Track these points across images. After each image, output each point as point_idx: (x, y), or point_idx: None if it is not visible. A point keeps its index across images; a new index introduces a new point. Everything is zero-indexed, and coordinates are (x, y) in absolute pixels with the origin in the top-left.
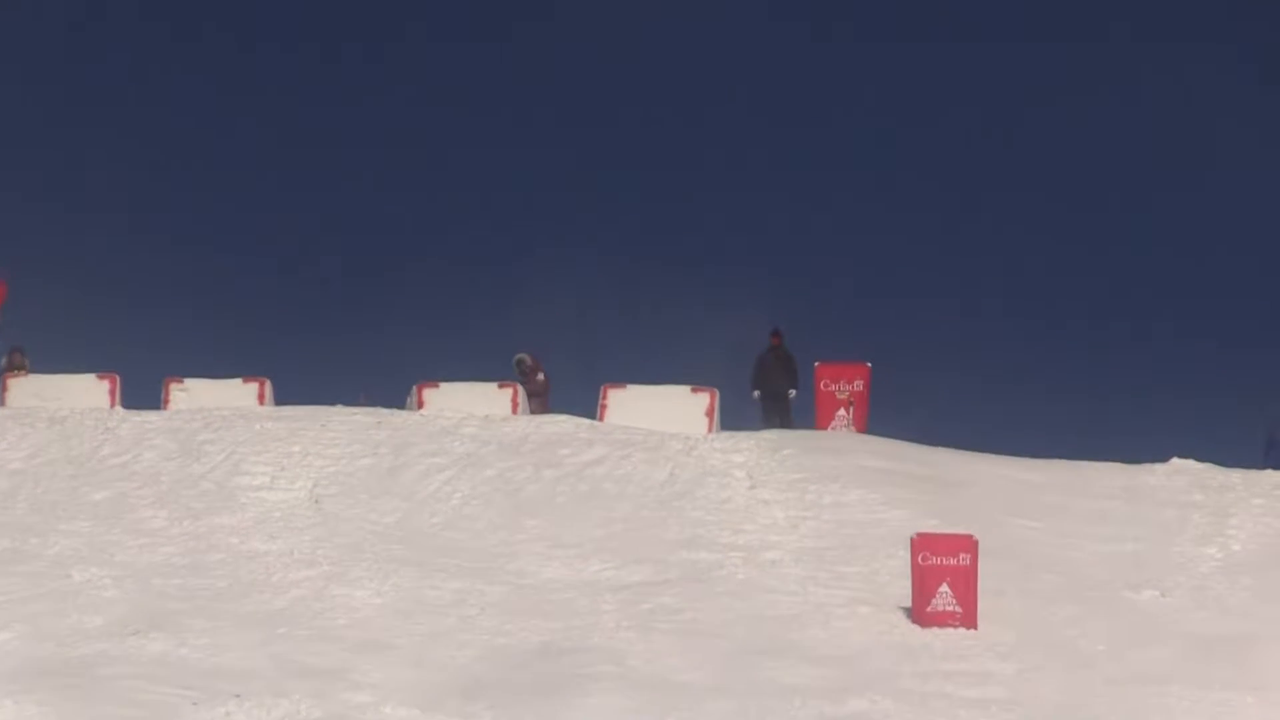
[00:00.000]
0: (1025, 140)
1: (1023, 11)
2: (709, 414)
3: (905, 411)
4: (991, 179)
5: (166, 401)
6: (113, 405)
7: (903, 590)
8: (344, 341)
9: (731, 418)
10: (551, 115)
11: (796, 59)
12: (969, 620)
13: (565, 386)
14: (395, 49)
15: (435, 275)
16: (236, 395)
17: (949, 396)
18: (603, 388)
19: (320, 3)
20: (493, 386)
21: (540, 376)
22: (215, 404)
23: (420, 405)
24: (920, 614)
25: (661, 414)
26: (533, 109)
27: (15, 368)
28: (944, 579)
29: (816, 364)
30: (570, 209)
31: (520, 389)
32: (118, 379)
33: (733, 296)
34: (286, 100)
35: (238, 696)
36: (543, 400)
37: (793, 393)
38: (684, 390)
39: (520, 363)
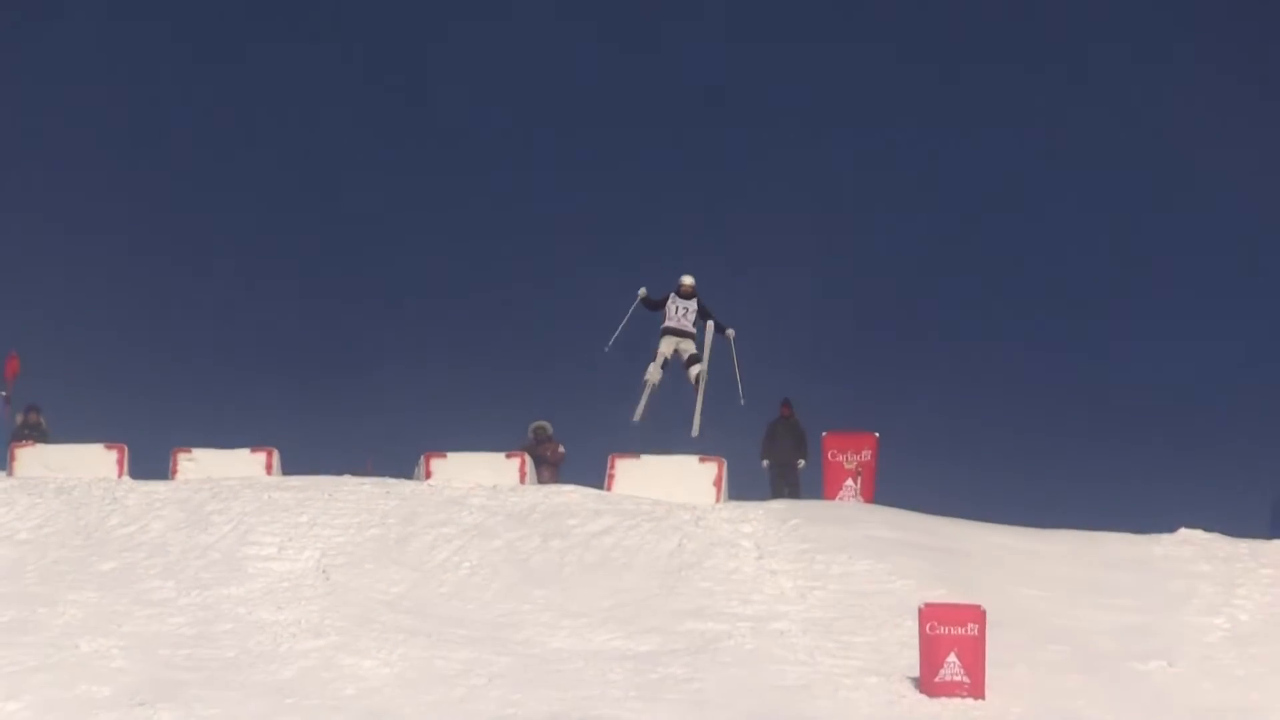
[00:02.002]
0: (1031, 208)
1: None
2: (717, 484)
3: (913, 481)
4: (999, 250)
5: (174, 471)
6: (120, 475)
7: (911, 660)
8: (352, 410)
9: (740, 487)
10: (565, 175)
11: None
12: (977, 690)
13: (573, 455)
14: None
15: (442, 344)
16: (244, 465)
17: (957, 466)
18: (610, 457)
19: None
20: (500, 456)
21: (561, 449)
22: (223, 474)
23: (428, 475)
24: (928, 684)
25: (669, 484)
26: (537, 166)
27: (31, 426)
28: (952, 649)
29: (825, 434)
30: (576, 275)
31: (528, 458)
32: (125, 449)
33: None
34: (288, 172)
35: None
36: (554, 470)
37: (802, 463)
38: (692, 460)
39: (540, 430)
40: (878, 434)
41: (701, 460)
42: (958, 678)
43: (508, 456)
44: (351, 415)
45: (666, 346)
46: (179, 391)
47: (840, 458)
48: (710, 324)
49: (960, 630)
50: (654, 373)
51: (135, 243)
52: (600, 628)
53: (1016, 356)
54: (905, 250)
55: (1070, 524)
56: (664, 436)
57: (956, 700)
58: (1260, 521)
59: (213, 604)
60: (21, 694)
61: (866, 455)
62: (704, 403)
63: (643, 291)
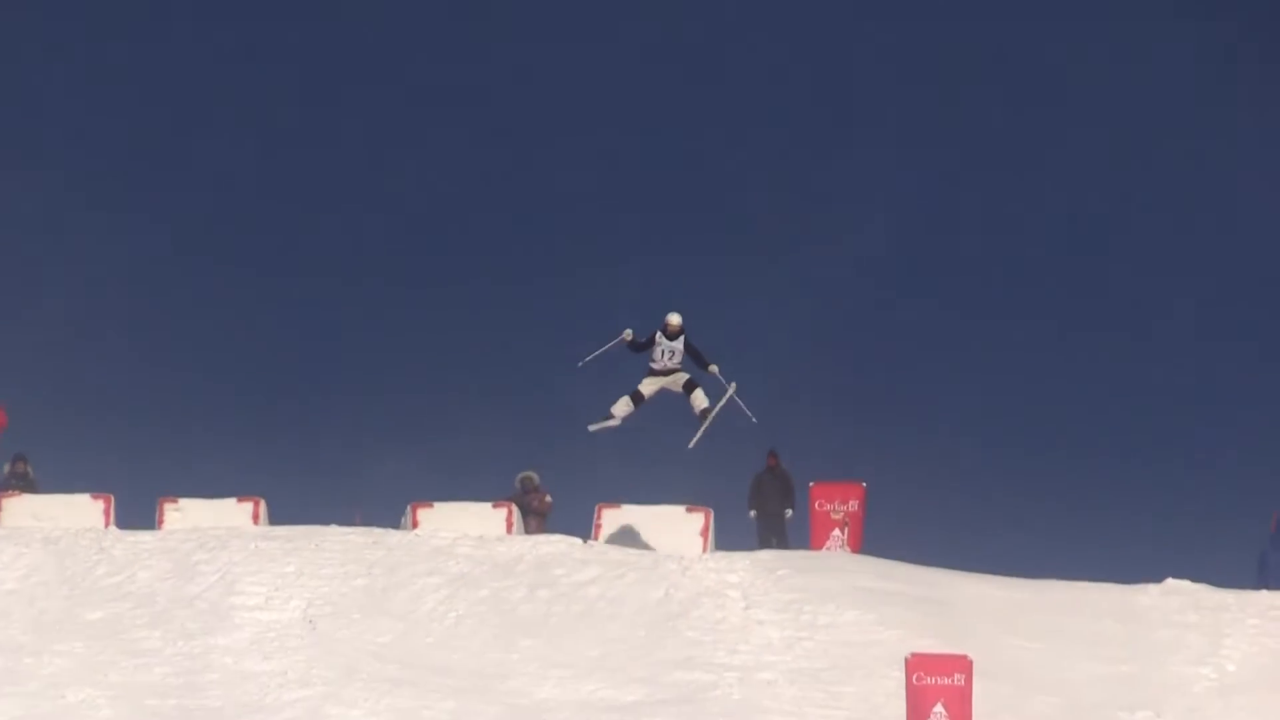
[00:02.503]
0: (1014, 258)
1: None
2: (704, 534)
3: (900, 531)
4: (981, 301)
5: (161, 521)
6: (107, 525)
7: (898, 711)
8: (338, 461)
9: (727, 538)
10: (540, 217)
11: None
12: None
13: (560, 505)
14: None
15: (428, 395)
16: (231, 515)
17: (944, 517)
18: (597, 507)
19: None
20: (487, 506)
21: (548, 498)
22: (209, 524)
23: (415, 525)
24: None
25: (656, 533)
26: (522, 221)
27: (18, 476)
28: (939, 699)
29: (811, 484)
30: (557, 321)
31: (515, 509)
32: (112, 499)
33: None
34: (281, 208)
35: None
36: (541, 520)
37: (789, 513)
38: (679, 510)
39: (527, 480)
40: (865, 484)
41: (689, 510)
42: None
43: (494, 506)
44: (339, 466)
45: (649, 388)
46: (166, 442)
47: (827, 508)
48: (715, 370)
49: (947, 680)
50: (622, 408)
51: (119, 292)
52: (587, 678)
53: (1004, 408)
54: (892, 296)
55: (1057, 574)
56: (647, 477)
57: None
58: (1247, 572)
59: (199, 654)
60: None
61: (854, 505)
62: (710, 425)
63: (628, 334)
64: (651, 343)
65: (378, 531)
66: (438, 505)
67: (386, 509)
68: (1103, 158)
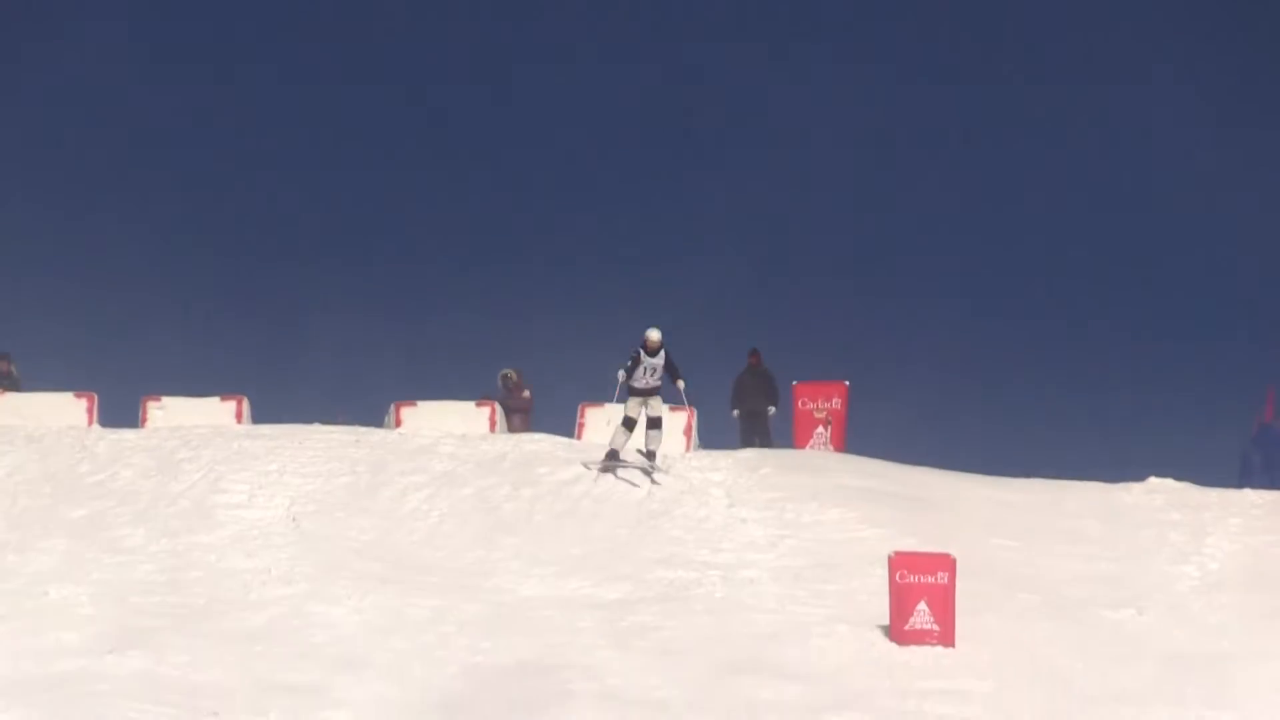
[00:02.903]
0: (1000, 160)
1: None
2: (686, 433)
3: (883, 430)
4: (970, 197)
5: (144, 420)
6: (90, 423)
7: (880, 609)
8: (322, 359)
9: (710, 437)
10: (529, 124)
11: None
12: (947, 639)
13: (543, 404)
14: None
15: (413, 293)
16: (214, 413)
17: (927, 416)
18: (580, 406)
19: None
20: (470, 405)
21: (525, 394)
22: (193, 422)
23: (398, 424)
24: (898, 632)
25: (640, 432)
26: (510, 122)
27: (2, 375)
28: (922, 597)
29: (795, 383)
30: (549, 224)
31: (498, 407)
32: (95, 397)
33: (711, 313)
34: (271, 115)
35: (215, 715)
36: (525, 417)
37: (771, 411)
38: (663, 408)
39: (506, 378)
40: (848, 383)
41: (671, 410)
42: (927, 626)
43: (478, 405)
44: (322, 364)
45: (634, 409)
46: (149, 340)
47: (810, 406)
48: (681, 387)
49: (930, 579)
50: (619, 440)
51: (103, 192)
52: (570, 575)
53: (987, 306)
54: (878, 198)
55: (1040, 473)
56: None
57: (926, 648)
58: (1229, 471)
59: (183, 551)
60: None
61: (836, 404)
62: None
63: (621, 375)
64: (637, 363)
65: (361, 430)
66: (421, 404)
67: (369, 408)
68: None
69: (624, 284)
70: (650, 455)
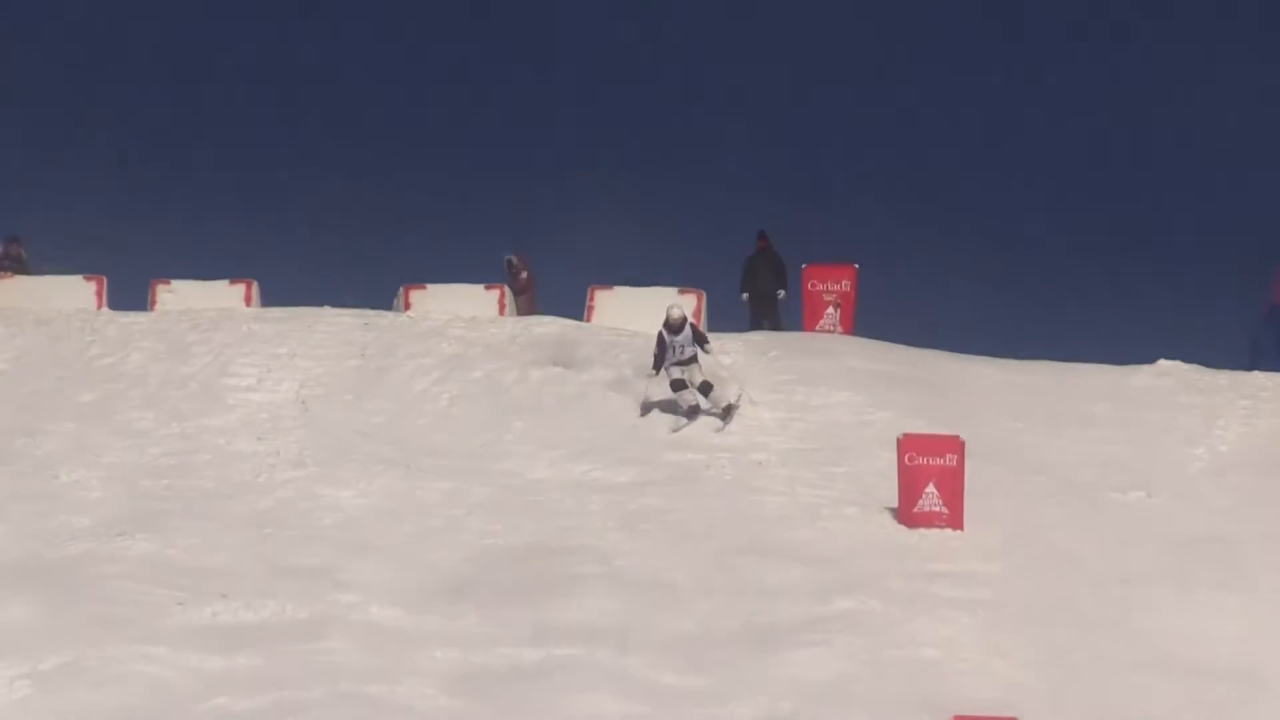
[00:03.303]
0: (1018, 44)
1: None
2: (696, 315)
3: (893, 313)
4: (983, 82)
5: (153, 303)
6: (100, 307)
7: (889, 491)
8: (331, 243)
9: (719, 320)
10: (540, 22)
11: None
12: (955, 521)
13: (552, 288)
14: None
15: (424, 176)
16: (223, 297)
17: (937, 298)
18: (590, 289)
19: None
20: (479, 288)
21: (524, 275)
22: (202, 306)
23: (407, 307)
24: (907, 515)
25: (649, 315)
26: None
27: (10, 258)
28: (930, 480)
29: (804, 266)
30: (557, 109)
31: (508, 291)
32: (105, 281)
33: (722, 196)
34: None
35: (224, 597)
36: (529, 298)
37: (781, 294)
38: (671, 292)
39: (508, 263)
40: (857, 265)
41: (681, 292)
42: (936, 508)
43: (487, 288)
44: (332, 247)
45: (677, 373)
46: (158, 223)
47: (820, 288)
48: (709, 353)
49: (939, 461)
50: (684, 398)
51: (116, 72)
52: (580, 458)
53: (996, 187)
54: (885, 76)
55: (1050, 356)
56: (640, 259)
57: (935, 530)
58: (1239, 353)
59: (192, 435)
60: (0, 523)
61: (846, 286)
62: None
63: (653, 373)
64: (663, 347)
65: (370, 313)
66: (430, 287)
67: (379, 291)
68: None
69: (633, 165)
70: (728, 411)
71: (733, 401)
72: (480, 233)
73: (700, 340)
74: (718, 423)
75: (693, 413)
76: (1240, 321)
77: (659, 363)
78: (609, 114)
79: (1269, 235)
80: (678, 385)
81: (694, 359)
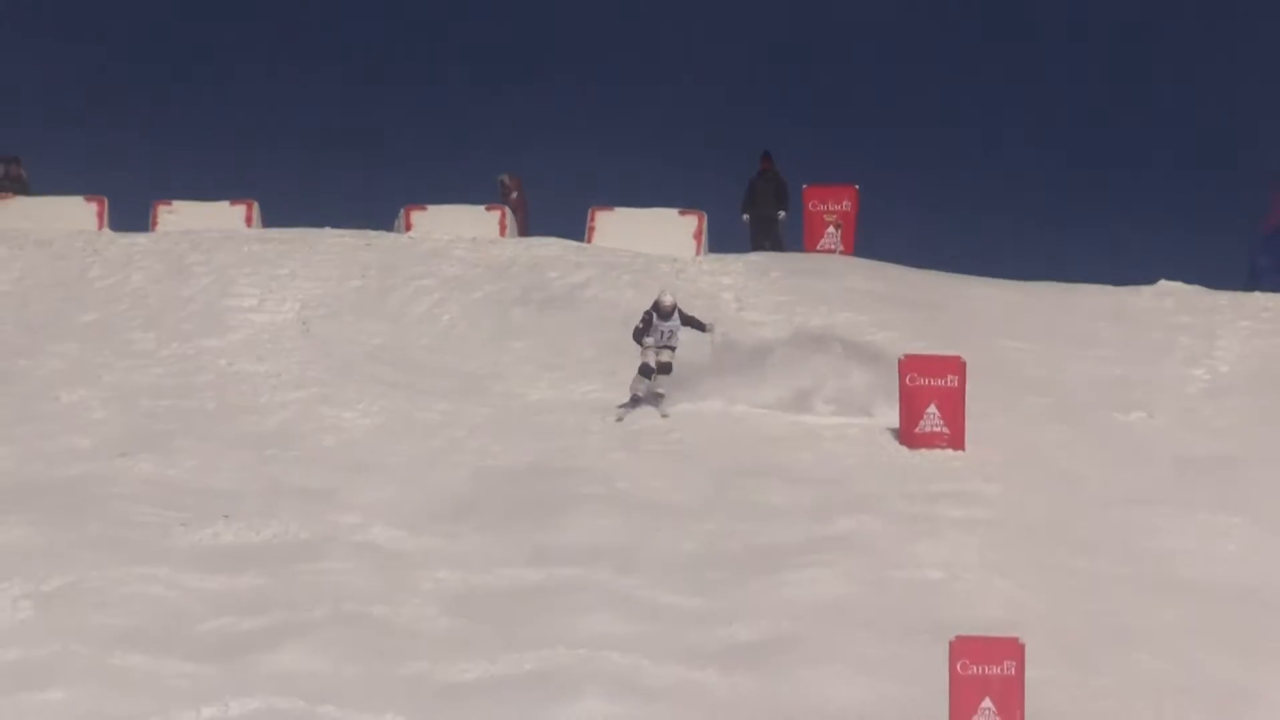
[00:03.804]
0: None
1: None
2: (697, 236)
3: (894, 235)
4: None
5: (154, 224)
6: (100, 228)
7: (890, 411)
8: (332, 163)
9: (720, 240)
10: None
11: None
12: (956, 442)
13: (551, 208)
14: None
15: (424, 97)
16: (224, 217)
17: (938, 219)
18: (590, 210)
19: None
20: (480, 209)
21: (515, 195)
22: (203, 226)
23: (408, 227)
24: (908, 435)
25: (650, 236)
26: None
27: (11, 178)
28: (931, 400)
29: (805, 186)
30: (557, 28)
31: (508, 212)
32: (105, 201)
33: (723, 118)
34: None
35: (226, 517)
36: (521, 218)
37: (782, 215)
38: (672, 213)
39: (500, 183)
40: (858, 186)
41: (682, 213)
42: (937, 429)
43: (488, 209)
44: (333, 168)
45: (649, 356)
46: (159, 144)
47: (821, 209)
48: (712, 330)
49: (940, 382)
50: (637, 387)
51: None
52: (580, 379)
53: (996, 106)
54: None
55: (1051, 277)
56: (640, 180)
57: (936, 451)
58: (1239, 274)
59: (193, 356)
60: (2, 444)
61: (847, 206)
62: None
63: (636, 337)
64: (649, 325)
65: (371, 234)
66: (431, 208)
67: (379, 211)
68: None
69: (637, 81)
70: (658, 398)
71: (663, 393)
72: (480, 152)
73: (697, 325)
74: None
75: (634, 402)
76: (1241, 244)
77: (638, 338)
78: (611, 33)
79: (1269, 155)
80: (643, 370)
81: (673, 349)
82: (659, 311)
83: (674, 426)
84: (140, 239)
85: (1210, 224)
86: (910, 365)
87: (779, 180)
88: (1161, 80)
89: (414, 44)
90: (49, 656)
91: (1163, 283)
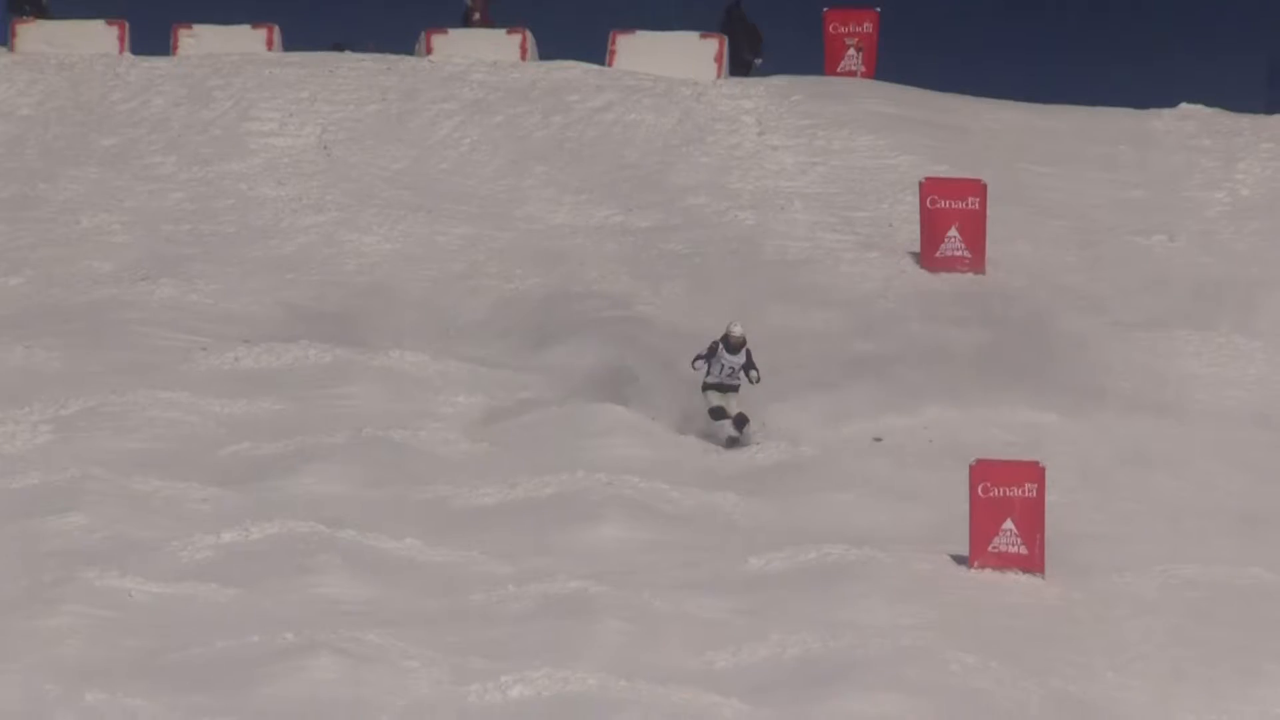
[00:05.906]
0: None
1: None
2: (718, 60)
3: (916, 56)
4: None
5: (175, 47)
6: (121, 51)
7: (911, 235)
8: None
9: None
10: None
11: None
12: (977, 265)
13: (571, 31)
14: None
15: None
16: (245, 41)
17: (958, 41)
18: (611, 33)
19: None
20: (501, 33)
21: (476, 16)
22: (224, 50)
23: (429, 51)
24: (929, 258)
25: (671, 60)
26: None
27: (33, 3)
28: (953, 223)
29: (825, 9)
30: None
31: (529, 35)
32: (126, 25)
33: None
34: None
35: (246, 342)
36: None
37: (758, 62)
38: (693, 36)
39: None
40: (879, 8)
41: (703, 37)
42: (958, 252)
43: (509, 32)
44: None
45: (715, 400)
46: None
47: (842, 30)
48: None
49: (961, 204)
50: (716, 428)
51: None
52: (601, 203)
53: None
54: None
55: (1072, 99)
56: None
57: (957, 274)
58: (1261, 96)
59: (214, 179)
60: (23, 268)
61: (868, 28)
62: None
63: (698, 365)
64: (714, 355)
65: (392, 58)
66: (451, 32)
67: (400, 35)
68: None
69: None
70: (748, 437)
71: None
72: None
73: (749, 367)
74: (741, 167)
75: (731, 443)
76: (1261, 64)
77: (702, 362)
78: None
79: None
80: (717, 414)
81: (736, 388)
82: (727, 344)
83: (694, 250)
84: (161, 63)
85: (1232, 44)
86: (931, 188)
87: (750, 27)
88: None
89: None
90: (69, 480)
91: (1184, 105)
